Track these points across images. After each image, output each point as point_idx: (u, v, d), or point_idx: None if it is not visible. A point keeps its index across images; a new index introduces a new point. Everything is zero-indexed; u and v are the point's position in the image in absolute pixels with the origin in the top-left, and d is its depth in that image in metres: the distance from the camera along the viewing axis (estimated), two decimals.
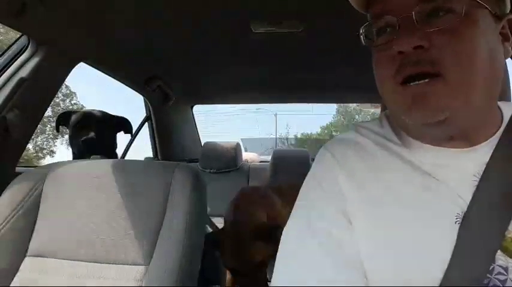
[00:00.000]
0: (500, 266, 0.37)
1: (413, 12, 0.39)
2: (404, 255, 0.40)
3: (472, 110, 0.41)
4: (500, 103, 0.48)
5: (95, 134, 1.18)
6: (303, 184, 0.51)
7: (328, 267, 0.41)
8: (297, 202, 0.50)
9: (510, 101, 0.60)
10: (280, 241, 0.47)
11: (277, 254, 0.46)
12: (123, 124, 1.37)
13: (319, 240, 0.43)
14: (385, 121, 0.53)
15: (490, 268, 0.37)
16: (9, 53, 1.10)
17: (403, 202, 0.43)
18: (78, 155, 1.20)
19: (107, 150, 1.24)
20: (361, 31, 0.47)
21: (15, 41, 1.11)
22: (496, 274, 0.37)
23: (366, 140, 0.50)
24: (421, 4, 0.39)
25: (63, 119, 1.29)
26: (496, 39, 0.43)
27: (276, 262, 0.45)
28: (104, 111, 1.31)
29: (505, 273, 0.37)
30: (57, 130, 1.32)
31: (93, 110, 1.29)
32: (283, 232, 0.47)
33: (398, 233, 0.41)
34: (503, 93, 0.62)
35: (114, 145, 1.33)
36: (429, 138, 0.46)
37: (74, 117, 1.24)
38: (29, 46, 1.09)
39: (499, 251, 0.38)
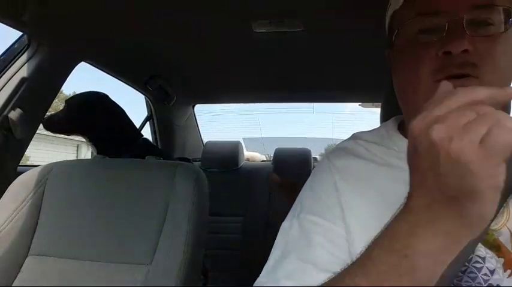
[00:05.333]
0: (478, 256, 0.41)
1: (464, 18, 0.42)
2: None
3: None
4: None
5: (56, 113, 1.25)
6: (304, 185, 0.55)
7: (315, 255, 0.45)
8: (295, 204, 0.54)
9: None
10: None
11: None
12: (106, 104, 1.28)
13: (307, 233, 0.47)
14: (383, 131, 0.56)
15: (469, 258, 0.40)
16: (11, 52, 1.10)
17: (393, 200, 0.45)
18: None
19: (76, 129, 1.25)
20: (396, 30, 0.50)
21: (16, 40, 1.11)
22: (473, 263, 0.40)
23: (363, 149, 0.54)
24: (472, 11, 0.43)
25: None
26: None
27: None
28: (84, 92, 1.29)
29: (482, 262, 0.40)
30: None
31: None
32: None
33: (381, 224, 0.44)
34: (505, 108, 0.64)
35: (93, 125, 1.24)
36: None
37: None
38: (30, 46, 1.09)
39: (479, 243, 0.41)
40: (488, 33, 0.44)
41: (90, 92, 1.28)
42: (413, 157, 0.31)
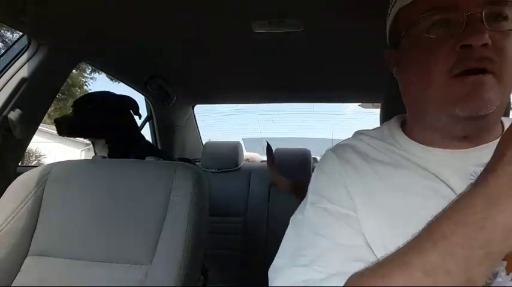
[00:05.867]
0: None
1: (483, 12, 0.42)
2: (394, 245, 0.42)
3: (503, 108, 0.46)
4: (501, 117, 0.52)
5: (73, 114, 1.16)
6: (311, 177, 0.55)
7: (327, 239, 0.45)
8: (308, 192, 0.54)
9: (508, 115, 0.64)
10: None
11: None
12: (125, 103, 1.27)
13: (324, 214, 0.47)
14: (386, 129, 0.56)
15: None
16: (10, 53, 1.10)
17: (400, 197, 0.46)
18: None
19: (103, 131, 1.19)
20: (399, 9, 0.50)
21: (16, 40, 1.11)
22: None
23: (367, 145, 0.54)
24: (489, 6, 0.43)
25: None
26: None
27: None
28: (103, 91, 1.25)
29: None
30: None
31: (95, 91, 1.25)
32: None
33: (390, 225, 0.44)
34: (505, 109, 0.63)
35: (117, 127, 1.23)
36: (441, 137, 0.49)
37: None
38: (30, 46, 1.09)
39: None
40: (503, 29, 0.43)
41: (111, 92, 1.26)
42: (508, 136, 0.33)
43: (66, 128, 1.15)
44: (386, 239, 0.44)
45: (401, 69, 0.53)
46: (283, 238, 0.51)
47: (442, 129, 0.48)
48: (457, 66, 0.43)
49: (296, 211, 0.53)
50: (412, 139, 0.52)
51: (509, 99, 0.65)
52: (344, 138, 0.60)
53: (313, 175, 0.55)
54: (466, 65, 0.43)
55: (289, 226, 0.52)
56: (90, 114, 1.17)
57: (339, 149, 0.56)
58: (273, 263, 0.48)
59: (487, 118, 0.44)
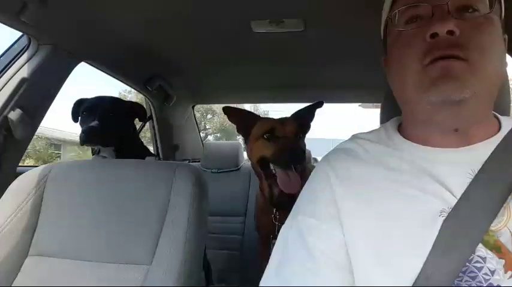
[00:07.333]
0: (479, 256, 0.41)
1: (448, 3, 0.44)
2: (388, 247, 0.43)
3: (485, 97, 0.46)
4: (498, 115, 0.52)
5: (98, 123, 1.10)
6: (303, 188, 0.56)
7: (309, 264, 0.45)
8: (294, 206, 0.54)
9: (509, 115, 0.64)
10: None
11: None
12: (136, 110, 1.30)
13: (305, 236, 0.48)
14: (383, 131, 0.57)
15: (470, 258, 0.41)
16: (11, 53, 1.10)
17: (393, 200, 0.46)
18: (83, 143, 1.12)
19: (117, 138, 1.17)
20: (387, 17, 0.53)
21: (16, 40, 1.11)
22: (474, 262, 0.41)
23: (362, 149, 0.54)
24: None
25: (78, 107, 1.20)
26: (503, 42, 0.49)
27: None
28: (115, 98, 1.24)
29: (482, 262, 0.40)
30: (75, 121, 1.21)
31: (103, 96, 1.22)
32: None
33: (383, 227, 0.44)
34: (505, 109, 0.63)
35: (127, 133, 1.24)
36: (434, 131, 0.49)
37: (83, 106, 1.18)
38: (30, 46, 1.09)
39: (480, 243, 0.41)
40: (471, 18, 0.45)
41: (120, 99, 1.28)
42: None
43: (98, 138, 1.11)
44: (374, 243, 0.44)
45: (388, 69, 0.55)
46: (273, 248, 0.52)
47: (429, 122, 0.48)
48: (427, 56, 0.45)
49: (288, 218, 0.53)
50: (407, 139, 0.52)
51: (509, 96, 0.65)
52: (344, 139, 0.60)
53: (305, 185, 0.56)
54: (435, 53, 0.44)
55: (278, 235, 0.53)
56: (113, 122, 1.14)
57: (334, 156, 0.56)
58: (263, 278, 0.50)
59: (465, 105, 0.44)
